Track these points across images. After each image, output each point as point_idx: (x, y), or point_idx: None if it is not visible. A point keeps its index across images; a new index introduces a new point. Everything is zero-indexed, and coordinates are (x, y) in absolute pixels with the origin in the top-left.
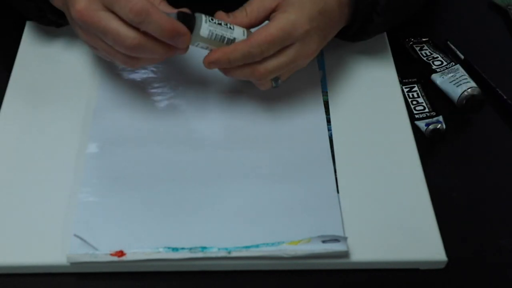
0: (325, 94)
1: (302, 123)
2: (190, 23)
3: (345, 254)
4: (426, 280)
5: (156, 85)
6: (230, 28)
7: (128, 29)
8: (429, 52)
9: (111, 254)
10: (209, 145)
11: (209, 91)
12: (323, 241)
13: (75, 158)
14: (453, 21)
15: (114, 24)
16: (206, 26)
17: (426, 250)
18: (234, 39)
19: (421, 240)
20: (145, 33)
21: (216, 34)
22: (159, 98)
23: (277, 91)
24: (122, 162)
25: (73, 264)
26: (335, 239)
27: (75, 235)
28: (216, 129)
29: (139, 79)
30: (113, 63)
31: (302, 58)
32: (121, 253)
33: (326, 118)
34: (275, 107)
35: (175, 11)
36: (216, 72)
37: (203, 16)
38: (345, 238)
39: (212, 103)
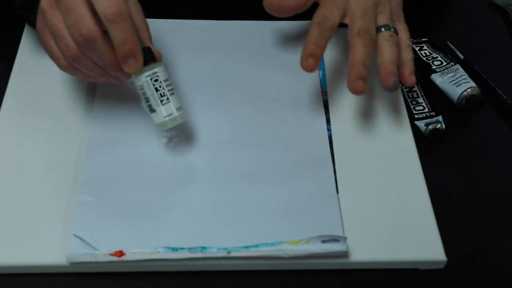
0: (324, 94)
1: (301, 123)
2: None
3: (344, 254)
4: (426, 280)
5: None
6: (165, 99)
7: (93, 21)
8: (429, 52)
9: (111, 254)
10: (208, 145)
11: (209, 91)
12: (323, 241)
13: (74, 158)
14: (453, 21)
15: (84, 9)
16: (143, 79)
17: (426, 250)
18: (155, 111)
19: (420, 240)
20: (103, 35)
21: (144, 92)
22: None
23: (276, 92)
24: (122, 162)
25: (73, 264)
26: (335, 239)
27: (74, 235)
28: (215, 129)
29: None
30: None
31: None
32: (120, 253)
33: (326, 118)
34: (274, 107)
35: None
36: (214, 72)
37: (152, 70)
38: (344, 238)
39: (211, 103)
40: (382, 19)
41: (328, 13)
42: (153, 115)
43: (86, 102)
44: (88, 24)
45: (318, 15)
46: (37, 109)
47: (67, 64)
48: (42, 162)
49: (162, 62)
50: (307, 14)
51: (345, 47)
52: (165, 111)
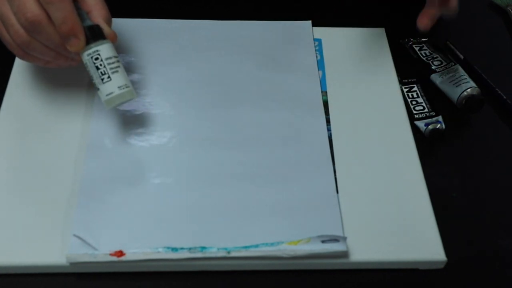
0: (324, 94)
1: (301, 123)
2: (90, 38)
3: (344, 254)
4: (426, 280)
5: (155, 83)
6: (106, 78)
7: (36, 4)
8: (429, 52)
9: (111, 254)
10: (208, 145)
11: (208, 91)
12: (323, 241)
13: (74, 158)
14: (453, 21)
15: None
16: (85, 57)
17: (426, 250)
18: (99, 89)
19: (420, 240)
20: (49, 17)
21: (88, 70)
22: (158, 98)
23: (276, 92)
24: (121, 162)
25: (73, 264)
26: (335, 239)
27: (74, 235)
28: (215, 129)
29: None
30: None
31: None
32: (120, 253)
33: (326, 118)
34: (274, 108)
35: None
36: (214, 72)
37: (93, 49)
38: (344, 238)
39: (211, 103)
40: None
41: None
42: (98, 93)
43: (86, 102)
44: (31, 8)
45: None
46: (37, 109)
47: (23, 51)
48: (42, 162)
49: (110, 40)
50: (307, 14)
51: (346, 47)
52: (107, 90)
